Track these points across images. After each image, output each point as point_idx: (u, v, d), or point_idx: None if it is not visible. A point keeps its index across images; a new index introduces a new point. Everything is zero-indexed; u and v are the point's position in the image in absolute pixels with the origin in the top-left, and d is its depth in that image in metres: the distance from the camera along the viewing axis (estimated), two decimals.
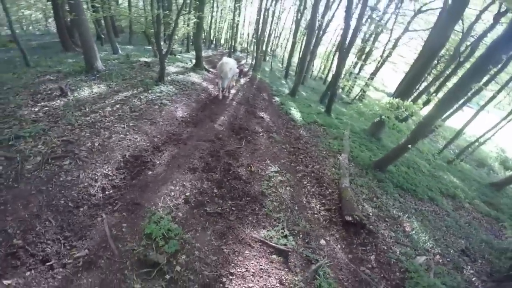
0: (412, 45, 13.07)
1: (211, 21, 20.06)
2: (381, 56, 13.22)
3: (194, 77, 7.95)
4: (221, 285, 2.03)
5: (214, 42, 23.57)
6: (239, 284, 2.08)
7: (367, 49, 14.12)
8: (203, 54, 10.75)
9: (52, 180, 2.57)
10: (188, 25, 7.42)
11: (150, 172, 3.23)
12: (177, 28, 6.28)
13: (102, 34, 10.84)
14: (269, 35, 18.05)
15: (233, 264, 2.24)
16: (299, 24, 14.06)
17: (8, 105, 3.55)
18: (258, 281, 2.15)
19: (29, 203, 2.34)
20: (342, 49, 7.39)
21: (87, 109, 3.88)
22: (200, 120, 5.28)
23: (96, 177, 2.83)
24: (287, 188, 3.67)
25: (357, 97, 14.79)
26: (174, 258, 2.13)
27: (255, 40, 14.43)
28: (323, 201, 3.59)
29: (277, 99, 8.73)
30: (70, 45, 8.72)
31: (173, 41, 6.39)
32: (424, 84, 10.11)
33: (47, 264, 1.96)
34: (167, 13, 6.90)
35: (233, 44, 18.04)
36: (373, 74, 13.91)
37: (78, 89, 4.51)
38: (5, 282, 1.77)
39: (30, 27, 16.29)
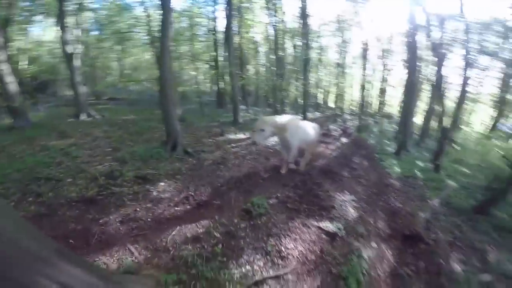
0: None
1: (317, 85, 22.08)
2: None
3: None
4: (277, 238, 3.02)
5: (322, 105, 25.01)
6: (289, 242, 2.98)
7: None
8: (311, 116, 12.83)
9: (214, 173, 4.78)
10: (297, 90, 9.87)
11: (260, 180, 4.92)
12: (289, 93, 8.76)
13: (239, 97, 15.19)
14: (380, 95, 18.19)
15: (291, 232, 3.18)
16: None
17: (197, 136, 6.66)
18: (304, 244, 2.99)
19: (202, 180, 4.52)
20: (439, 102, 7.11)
21: (233, 144, 6.49)
22: (298, 162, 6.77)
23: (233, 177, 4.81)
24: (359, 211, 4.21)
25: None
26: (259, 216, 3.42)
27: (360, 102, 15.30)
28: (391, 225, 3.80)
29: (377, 156, 8.88)
30: (222, 103, 13.27)
31: (285, 104, 8.83)
32: None
33: (198, 205, 3.81)
34: (281, 81, 9.73)
35: (340, 106, 19.24)
36: None
37: (228, 133, 7.50)
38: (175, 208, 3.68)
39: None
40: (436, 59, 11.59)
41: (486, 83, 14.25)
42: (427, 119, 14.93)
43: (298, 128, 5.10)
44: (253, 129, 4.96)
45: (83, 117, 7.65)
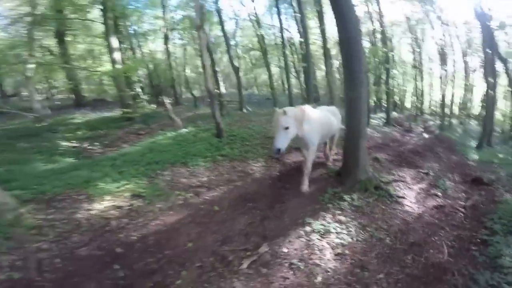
0: None
1: (393, 86, 21.50)
2: None
3: (385, 129, 11.74)
4: (395, 170, 5.62)
5: (399, 105, 23.99)
6: (402, 173, 5.59)
7: None
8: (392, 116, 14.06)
9: None
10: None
11: (370, 150, 7.57)
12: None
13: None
14: (464, 95, 17.34)
15: (400, 170, 5.81)
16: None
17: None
18: (410, 175, 5.57)
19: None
20: None
21: None
22: (389, 146, 8.94)
23: None
24: (442, 171, 6.42)
25: None
26: (381, 163, 6.14)
27: (441, 102, 15.42)
28: (464, 179, 5.90)
29: (458, 147, 10.05)
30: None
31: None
32: None
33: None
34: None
35: (418, 106, 18.98)
36: None
37: None
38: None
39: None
40: None
41: None
42: None
43: (316, 117, 3.97)
44: (273, 129, 3.52)
45: (244, 110, 11.79)
